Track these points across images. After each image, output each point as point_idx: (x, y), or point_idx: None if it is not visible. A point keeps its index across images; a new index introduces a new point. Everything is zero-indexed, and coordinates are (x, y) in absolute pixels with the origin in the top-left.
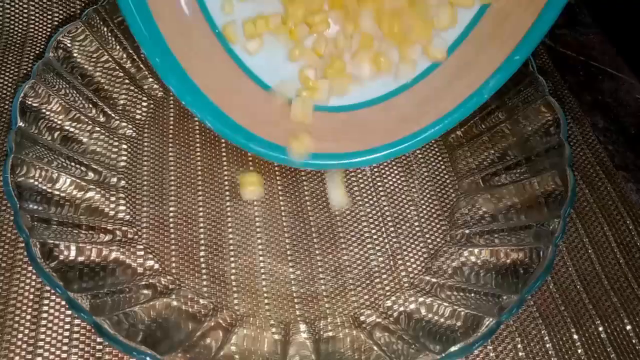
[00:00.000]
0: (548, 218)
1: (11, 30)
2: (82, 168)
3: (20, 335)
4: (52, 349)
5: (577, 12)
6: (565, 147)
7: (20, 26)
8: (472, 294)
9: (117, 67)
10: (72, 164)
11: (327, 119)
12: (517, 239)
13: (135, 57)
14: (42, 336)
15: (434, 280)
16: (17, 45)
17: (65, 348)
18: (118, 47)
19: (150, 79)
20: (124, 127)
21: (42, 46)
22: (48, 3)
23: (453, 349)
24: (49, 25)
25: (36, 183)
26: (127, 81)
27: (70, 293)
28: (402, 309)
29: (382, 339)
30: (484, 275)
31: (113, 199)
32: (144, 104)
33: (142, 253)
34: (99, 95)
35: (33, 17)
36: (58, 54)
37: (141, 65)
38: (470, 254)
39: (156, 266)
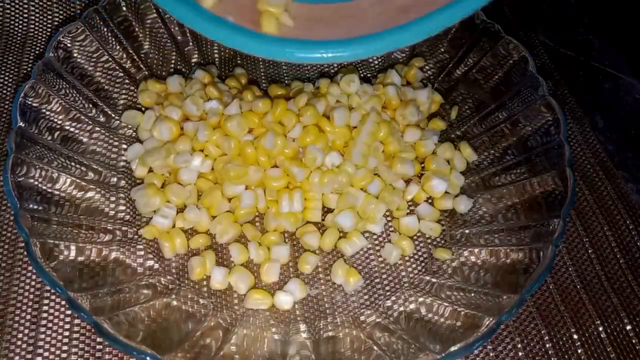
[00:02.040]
0: (548, 218)
1: (11, 31)
2: (82, 168)
3: (20, 335)
4: (52, 349)
5: (577, 12)
6: (565, 147)
7: (21, 27)
8: (472, 294)
9: (117, 67)
10: (72, 164)
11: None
12: (517, 239)
13: (135, 57)
14: (42, 336)
15: (434, 280)
16: (17, 46)
17: (65, 348)
18: (118, 47)
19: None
20: (124, 127)
21: (42, 46)
22: (48, 3)
23: (453, 348)
24: (49, 26)
25: (36, 183)
26: (127, 81)
27: (70, 293)
28: (402, 309)
29: (382, 339)
30: (484, 275)
31: (113, 198)
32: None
33: (142, 253)
34: (99, 95)
35: (33, 18)
36: (58, 54)
37: (141, 65)
38: (470, 254)
39: (156, 266)
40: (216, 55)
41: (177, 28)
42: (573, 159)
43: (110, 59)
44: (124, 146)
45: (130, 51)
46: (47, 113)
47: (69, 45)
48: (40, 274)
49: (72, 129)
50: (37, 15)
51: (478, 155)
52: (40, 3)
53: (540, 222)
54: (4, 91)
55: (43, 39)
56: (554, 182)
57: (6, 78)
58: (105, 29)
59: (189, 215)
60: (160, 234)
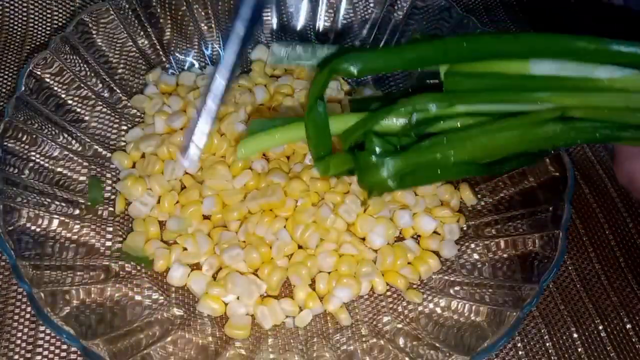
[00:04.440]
0: (552, 204)
1: (11, 28)
2: (79, 144)
3: (19, 334)
4: (52, 347)
5: (577, 13)
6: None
7: (20, 24)
8: (490, 289)
9: (136, 51)
10: (71, 139)
11: None
12: (524, 229)
13: (156, 44)
14: (42, 335)
15: (451, 279)
16: (17, 43)
17: (64, 347)
18: (141, 32)
19: None
20: (132, 110)
21: (41, 44)
22: (47, 1)
23: (480, 348)
24: (48, 23)
25: (28, 224)
26: (143, 66)
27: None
28: (420, 308)
29: (407, 345)
30: (498, 269)
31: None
32: None
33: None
34: (112, 75)
35: (32, 15)
36: (78, 29)
37: (160, 53)
38: (478, 247)
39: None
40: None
41: (204, 21)
42: (574, 158)
43: (130, 43)
44: (124, 127)
45: (153, 38)
46: (54, 85)
47: (91, 24)
48: (50, 326)
49: (76, 103)
50: (37, 12)
51: (478, 200)
52: (40, 1)
53: (546, 209)
54: (3, 88)
55: (42, 37)
56: (542, 246)
57: (5, 75)
58: (130, 13)
59: (172, 227)
60: (135, 218)
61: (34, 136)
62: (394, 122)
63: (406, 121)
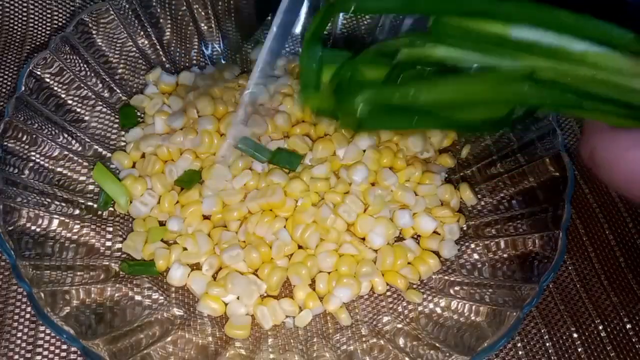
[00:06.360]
0: (552, 204)
1: (11, 29)
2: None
3: (19, 334)
4: (52, 348)
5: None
6: (557, 132)
7: (20, 24)
8: (490, 289)
9: (137, 52)
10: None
11: None
12: (524, 229)
13: (156, 44)
14: (42, 335)
15: (452, 279)
16: (17, 44)
17: (64, 347)
18: (141, 32)
19: None
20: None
21: (41, 44)
22: (47, 1)
23: (480, 348)
24: (48, 24)
25: (28, 224)
26: (143, 66)
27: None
28: (420, 308)
29: (407, 345)
30: (498, 269)
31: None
32: None
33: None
34: (112, 75)
35: (32, 15)
36: (78, 29)
37: (160, 53)
38: (478, 246)
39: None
40: (237, 55)
41: (204, 21)
42: (573, 158)
43: (130, 43)
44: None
45: (153, 38)
46: (54, 85)
47: (91, 24)
48: (50, 326)
49: (76, 103)
50: (37, 12)
51: (478, 200)
52: (40, 1)
53: (545, 209)
54: (3, 88)
55: (42, 37)
56: (542, 246)
57: (5, 75)
58: (130, 13)
59: (172, 227)
60: (135, 218)
61: (34, 136)
62: (378, 65)
63: (389, 64)
